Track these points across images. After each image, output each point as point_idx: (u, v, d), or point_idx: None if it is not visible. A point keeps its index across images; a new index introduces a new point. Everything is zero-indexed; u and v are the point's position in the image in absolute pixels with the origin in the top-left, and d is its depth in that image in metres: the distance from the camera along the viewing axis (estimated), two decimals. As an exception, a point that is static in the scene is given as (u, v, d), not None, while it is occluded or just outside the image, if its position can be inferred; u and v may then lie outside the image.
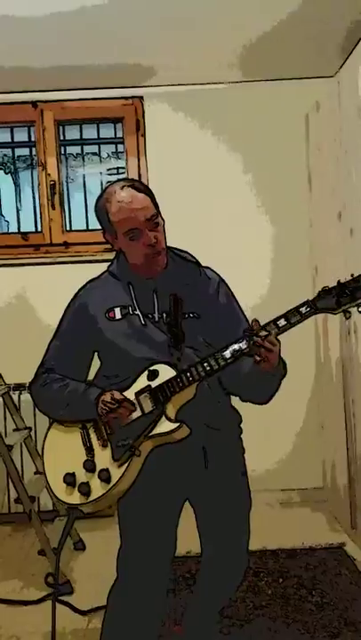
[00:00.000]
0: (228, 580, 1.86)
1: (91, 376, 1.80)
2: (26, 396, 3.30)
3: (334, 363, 3.16)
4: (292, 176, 3.48)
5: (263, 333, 1.53)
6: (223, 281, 1.81)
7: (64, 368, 1.74)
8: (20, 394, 3.30)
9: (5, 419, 3.17)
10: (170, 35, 2.95)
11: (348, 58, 3.03)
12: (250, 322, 1.65)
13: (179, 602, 2.34)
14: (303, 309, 1.52)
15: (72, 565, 2.83)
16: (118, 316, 1.69)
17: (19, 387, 3.30)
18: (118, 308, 1.70)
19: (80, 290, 1.79)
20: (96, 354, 1.77)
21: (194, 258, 1.82)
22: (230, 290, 1.81)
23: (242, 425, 1.80)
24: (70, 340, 1.76)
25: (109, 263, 1.81)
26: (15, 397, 3.21)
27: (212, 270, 1.82)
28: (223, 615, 2.21)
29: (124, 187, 1.65)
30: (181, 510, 1.75)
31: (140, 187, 1.68)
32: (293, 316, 1.52)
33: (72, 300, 1.78)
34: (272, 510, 3.39)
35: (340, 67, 3.21)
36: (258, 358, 1.53)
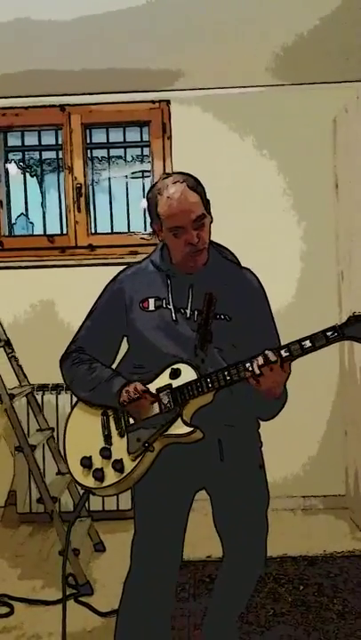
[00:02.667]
0: (247, 575, 1.85)
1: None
2: (49, 397, 3.33)
3: (359, 369, 3.13)
4: (320, 180, 3.46)
5: (285, 353, 1.51)
6: (262, 286, 1.80)
7: (94, 349, 1.77)
8: (44, 394, 3.33)
9: (29, 419, 3.19)
10: (198, 39, 2.95)
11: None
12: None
13: (198, 606, 2.33)
14: (330, 334, 1.50)
15: (92, 567, 2.83)
16: (152, 307, 1.71)
17: (42, 387, 3.33)
18: (153, 299, 1.71)
19: (120, 273, 1.81)
20: (125, 338, 1.79)
21: (235, 257, 1.81)
22: (266, 296, 1.80)
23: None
24: (102, 323, 1.79)
25: (153, 250, 1.82)
26: (39, 398, 3.24)
27: (252, 273, 1.81)
28: (243, 621, 2.20)
29: (176, 182, 1.65)
30: (193, 500, 1.76)
31: (194, 184, 1.67)
32: (319, 340, 1.50)
33: (111, 281, 1.81)
34: (294, 517, 3.36)
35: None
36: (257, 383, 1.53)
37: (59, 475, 3.01)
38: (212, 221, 1.70)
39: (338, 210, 3.42)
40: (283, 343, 1.57)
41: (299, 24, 2.85)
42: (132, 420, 1.66)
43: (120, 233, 3.67)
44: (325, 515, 3.38)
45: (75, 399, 1.81)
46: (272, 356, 1.51)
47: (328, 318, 1.73)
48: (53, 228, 3.77)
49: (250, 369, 1.53)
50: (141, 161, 3.81)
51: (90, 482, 1.65)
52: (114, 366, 1.80)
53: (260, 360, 1.51)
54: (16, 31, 2.82)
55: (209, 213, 1.69)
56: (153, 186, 1.71)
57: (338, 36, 2.95)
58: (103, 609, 2.42)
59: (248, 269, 1.81)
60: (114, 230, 3.73)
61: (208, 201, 1.70)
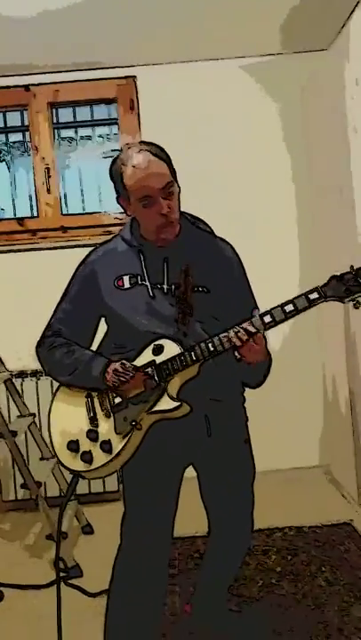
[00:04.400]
0: (234, 549, 1.86)
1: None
2: (28, 383, 3.29)
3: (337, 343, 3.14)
4: (289, 150, 3.45)
5: (268, 319, 1.50)
6: (237, 255, 1.78)
7: (70, 332, 1.73)
8: (23, 381, 3.29)
9: (9, 405, 3.15)
10: (160, 12, 2.89)
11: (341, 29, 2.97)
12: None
13: (187, 581, 2.34)
14: (312, 296, 1.49)
15: (81, 549, 2.83)
16: (127, 284, 1.66)
17: (21, 374, 3.29)
18: (127, 277, 1.67)
19: (90, 254, 1.76)
20: (103, 319, 1.75)
21: (208, 227, 1.77)
22: (242, 265, 1.78)
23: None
24: (78, 305, 1.74)
25: (121, 228, 1.77)
26: (18, 385, 3.19)
27: (227, 242, 1.78)
28: (233, 593, 2.22)
29: (141, 150, 1.60)
30: (183, 477, 1.75)
31: (158, 152, 1.62)
32: (301, 302, 1.49)
33: (81, 263, 1.76)
34: (278, 488, 3.38)
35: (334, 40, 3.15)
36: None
37: (42, 460, 2.99)
38: (180, 191, 1.66)
39: (312, 178, 3.41)
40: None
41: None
42: (117, 400, 1.63)
43: (92, 213, 3.62)
44: (311, 485, 3.40)
45: (56, 385, 1.78)
46: (257, 324, 1.50)
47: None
48: (24, 212, 3.70)
49: (233, 339, 1.51)
50: (112, 140, 3.74)
51: (78, 465, 1.63)
52: (94, 349, 1.76)
53: (243, 329, 1.50)
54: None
55: (177, 182, 1.65)
56: (116, 157, 1.65)
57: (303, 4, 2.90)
58: (93, 590, 2.41)
59: (222, 238, 1.79)
60: (86, 211, 3.68)
61: (175, 170, 1.65)
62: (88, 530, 3.01)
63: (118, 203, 1.70)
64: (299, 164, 3.46)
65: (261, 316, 1.52)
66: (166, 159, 1.63)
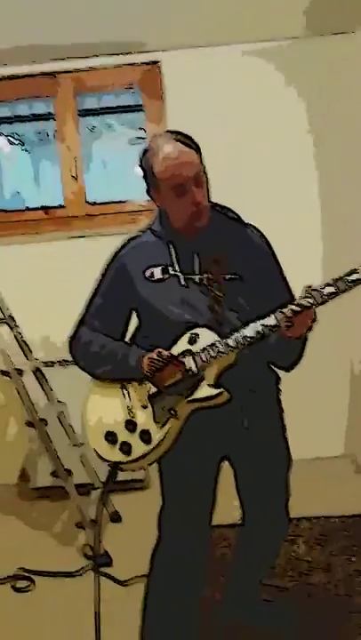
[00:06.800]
0: (269, 540, 1.87)
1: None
2: (57, 372, 3.30)
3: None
4: (314, 135, 3.38)
5: (308, 301, 1.48)
6: (267, 240, 1.76)
7: (103, 326, 1.73)
8: (51, 369, 3.30)
9: (38, 394, 3.16)
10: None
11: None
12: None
13: (218, 570, 2.33)
14: (352, 277, 1.46)
15: (109, 537, 2.84)
16: (158, 276, 1.66)
17: (49, 363, 3.29)
18: (158, 268, 1.66)
19: (121, 247, 1.76)
20: (135, 313, 1.74)
21: (236, 215, 1.75)
22: (273, 252, 1.76)
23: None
24: (109, 299, 1.74)
25: (150, 221, 1.76)
26: (46, 373, 3.21)
27: (256, 228, 1.76)
28: (264, 583, 2.21)
29: (170, 140, 1.59)
30: (220, 469, 1.74)
31: (187, 140, 1.61)
32: (342, 284, 1.46)
33: (112, 257, 1.75)
34: (304, 477, 3.36)
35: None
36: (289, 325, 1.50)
37: (71, 448, 3.01)
38: (207, 180, 1.65)
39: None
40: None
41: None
42: (153, 390, 1.63)
43: (117, 202, 3.59)
44: (337, 475, 3.36)
45: (83, 374, 1.77)
46: (295, 308, 1.48)
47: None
48: (49, 202, 3.70)
49: (272, 323, 1.50)
50: (135, 127, 3.72)
51: (117, 456, 1.62)
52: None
53: (283, 314, 1.49)
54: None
55: (205, 172, 1.64)
56: (145, 149, 1.65)
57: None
58: (123, 578, 2.43)
59: (251, 225, 1.76)
60: (111, 199, 3.66)
61: (202, 157, 1.64)
62: (115, 518, 3.03)
63: (148, 194, 1.69)
64: (324, 149, 3.39)
65: (321, 287, 1.48)
66: (195, 148, 1.62)
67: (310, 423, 3.27)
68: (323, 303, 1.49)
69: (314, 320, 1.52)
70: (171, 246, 1.68)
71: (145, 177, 1.66)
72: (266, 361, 1.72)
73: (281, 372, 1.77)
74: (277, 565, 2.37)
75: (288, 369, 1.71)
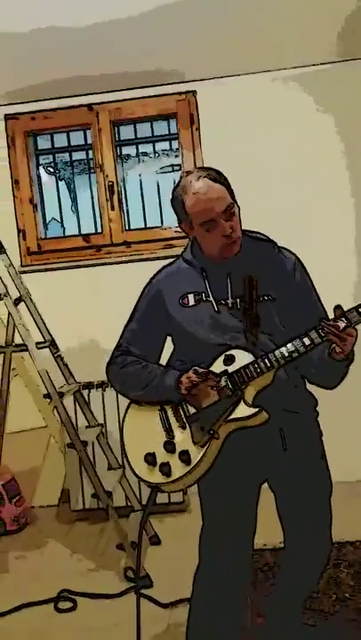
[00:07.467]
0: (312, 564, 1.84)
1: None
2: (95, 394, 3.35)
3: None
4: (349, 161, 3.41)
5: (343, 323, 1.50)
6: (299, 260, 1.78)
7: (139, 350, 1.78)
8: (89, 392, 3.35)
9: (77, 416, 3.22)
10: (217, 25, 2.92)
11: None
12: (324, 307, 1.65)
13: (258, 594, 2.32)
14: None
15: (149, 560, 2.85)
16: (192, 302, 1.70)
17: (88, 385, 3.35)
18: (192, 295, 1.71)
19: (154, 276, 1.81)
20: (171, 338, 1.79)
21: (267, 237, 1.79)
22: (307, 273, 1.79)
23: (317, 408, 1.78)
24: (145, 325, 1.79)
25: (183, 248, 1.81)
26: (85, 395, 3.26)
27: (289, 250, 1.80)
28: (306, 607, 2.18)
29: (200, 177, 1.64)
30: (260, 492, 1.75)
31: (216, 176, 1.66)
32: None
33: (147, 285, 1.81)
34: (344, 501, 3.31)
35: None
36: (334, 347, 1.53)
37: (110, 470, 3.04)
38: (239, 209, 1.69)
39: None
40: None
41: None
42: (192, 411, 1.65)
43: (154, 228, 3.68)
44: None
45: (121, 397, 1.83)
46: (353, 317, 1.51)
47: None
48: (87, 229, 3.80)
49: (307, 343, 1.54)
50: (172, 155, 3.81)
51: (157, 478, 1.64)
52: None
53: (318, 333, 1.53)
54: (40, 37, 2.86)
55: (235, 201, 1.68)
56: (176, 186, 1.70)
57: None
58: (163, 600, 2.42)
59: (284, 248, 1.80)
60: (147, 225, 3.74)
61: (233, 191, 1.69)
62: (155, 540, 3.03)
63: (180, 228, 1.74)
64: (357, 173, 3.42)
65: (357, 308, 1.51)
66: (224, 182, 1.67)
67: (352, 445, 3.26)
68: (358, 322, 1.51)
69: (356, 338, 1.54)
70: (203, 273, 1.72)
71: (176, 212, 1.72)
72: (304, 384, 1.74)
73: (321, 393, 1.77)
74: (321, 590, 2.35)
75: (332, 388, 1.72)
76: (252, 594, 2.32)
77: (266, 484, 1.78)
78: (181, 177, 1.71)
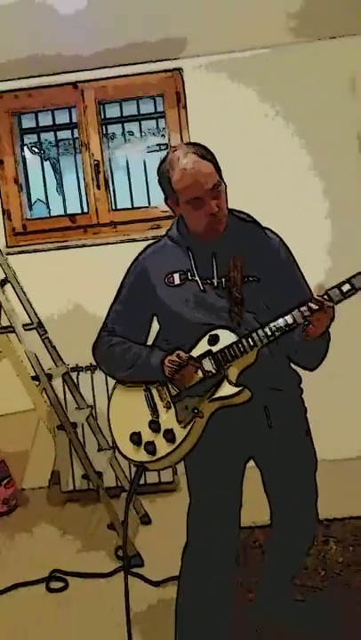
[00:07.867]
0: (300, 539, 1.87)
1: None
2: (83, 377, 3.35)
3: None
4: (342, 136, 3.39)
5: (325, 299, 1.51)
6: (283, 242, 1.78)
7: (125, 331, 1.77)
8: (78, 375, 3.35)
9: (66, 398, 3.22)
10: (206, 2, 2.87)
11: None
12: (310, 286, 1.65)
13: (248, 571, 2.34)
14: None
15: (141, 540, 2.87)
16: (177, 281, 1.69)
17: (76, 368, 3.34)
18: (177, 274, 1.70)
19: (140, 254, 1.80)
20: (155, 318, 1.78)
21: (252, 218, 1.78)
22: (292, 254, 1.78)
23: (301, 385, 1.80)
24: (131, 305, 1.78)
25: (168, 227, 1.80)
26: (74, 378, 3.26)
27: (273, 231, 1.79)
28: (296, 584, 2.21)
29: (187, 153, 1.62)
30: (245, 469, 1.76)
31: (204, 153, 1.64)
32: (358, 281, 1.50)
33: (132, 264, 1.79)
34: (332, 478, 3.34)
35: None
36: (307, 327, 1.55)
37: (100, 451, 3.05)
38: (226, 187, 1.67)
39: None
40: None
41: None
42: (176, 391, 1.66)
43: (141, 208, 3.64)
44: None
45: (110, 379, 1.82)
46: (313, 306, 1.52)
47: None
48: (73, 210, 3.76)
49: (290, 322, 1.55)
50: (158, 134, 3.76)
51: (142, 456, 1.65)
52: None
53: (301, 312, 1.54)
54: (22, 13, 2.78)
55: (222, 179, 1.66)
56: (163, 161, 1.68)
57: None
58: (154, 579, 2.45)
59: (268, 228, 1.79)
60: (134, 205, 3.71)
61: (220, 168, 1.67)
62: (146, 520, 3.05)
63: (166, 204, 1.72)
64: (352, 152, 3.39)
65: (339, 286, 1.52)
66: (212, 159, 1.65)
67: (340, 423, 3.28)
68: (340, 301, 1.52)
69: (332, 318, 1.55)
70: (189, 252, 1.71)
71: (162, 187, 1.70)
72: (288, 362, 1.75)
73: (306, 373, 1.78)
74: (309, 566, 2.38)
75: (312, 369, 1.73)
76: (242, 571, 2.35)
77: (252, 462, 1.79)
78: (168, 152, 1.69)
